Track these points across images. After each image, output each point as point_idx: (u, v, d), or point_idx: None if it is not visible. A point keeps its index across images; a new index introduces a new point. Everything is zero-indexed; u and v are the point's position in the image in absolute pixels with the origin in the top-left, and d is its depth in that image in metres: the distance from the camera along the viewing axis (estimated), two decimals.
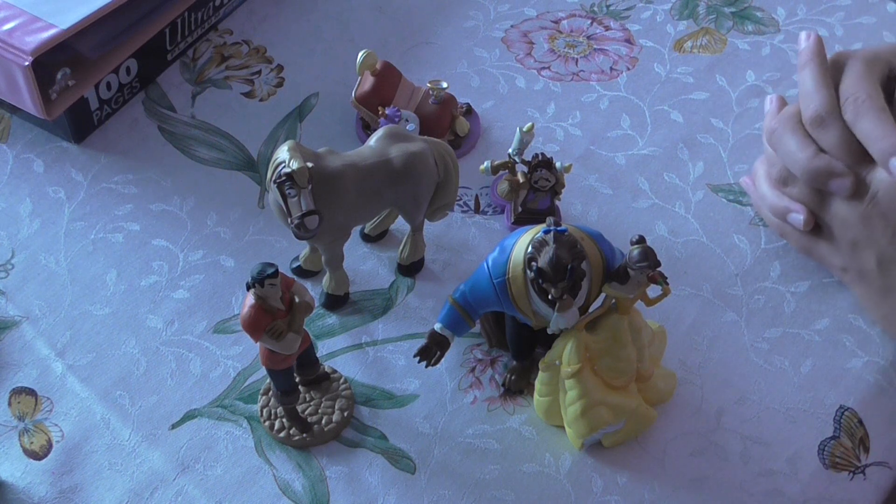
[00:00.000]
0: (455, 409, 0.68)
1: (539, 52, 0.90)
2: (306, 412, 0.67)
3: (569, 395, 0.64)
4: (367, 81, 0.81)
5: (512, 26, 0.92)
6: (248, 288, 0.59)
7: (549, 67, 0.89)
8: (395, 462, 0.66)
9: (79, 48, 0.77)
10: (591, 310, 0.64)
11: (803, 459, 0.67)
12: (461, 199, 0.79)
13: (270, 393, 0.67)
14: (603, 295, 0.62)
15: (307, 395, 0.68)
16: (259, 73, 0.88)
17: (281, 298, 0.60)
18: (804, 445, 0.67)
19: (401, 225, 0.75)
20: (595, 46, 0.90)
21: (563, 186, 0.75)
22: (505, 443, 0.67)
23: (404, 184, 0.68)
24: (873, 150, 0.66)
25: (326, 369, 0.69)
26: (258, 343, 0.61)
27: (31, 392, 0.69)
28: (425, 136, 0.71)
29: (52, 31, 0.75)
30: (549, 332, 0.63)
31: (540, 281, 0.60)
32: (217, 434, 0.67)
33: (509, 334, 0.68)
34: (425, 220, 0.72)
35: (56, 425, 0.67)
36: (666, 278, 0.61)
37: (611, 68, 0.89)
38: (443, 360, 0.66)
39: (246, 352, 0.71)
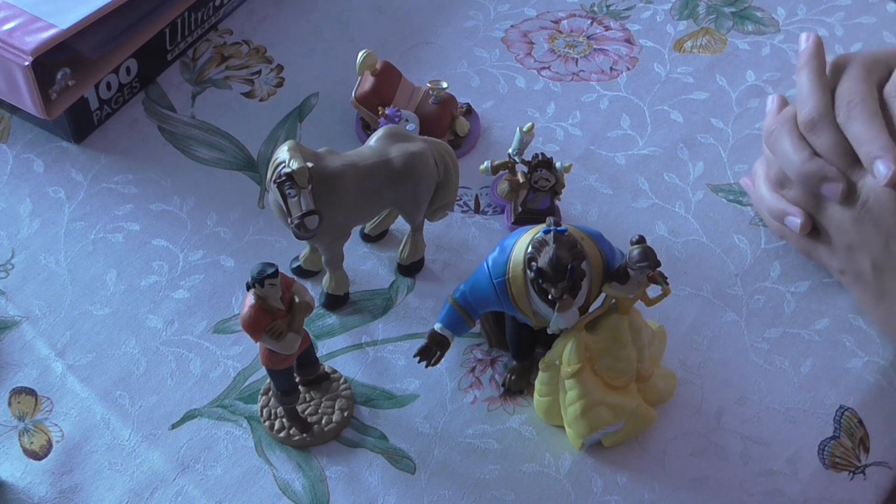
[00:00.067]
0: (455, 409, 0.68)
1: (539, 52, 0.90)
2: (306, 412, 0.67)
3: (569, 395, 0.64)
4: (367, 81, 0.81)
5: (512, 26, 0.92)
6: (248, 288, 0.59)
7: (549, 67, 0.89)
8: (395, 462, 0.66)
9: (79, 48, 0.77)
10: (591, 310, 0.64)
11: (803, 459, 0.67)
12: (461, 199, 0.79)
13: (270, 393, 0.67)
14: (603, 295, 0.62)
15: (307, 395, 0.68)
16: (259, 73, 0.88)
17: (281, 298, 0.60)
18: (804, 445, 0.67)
19: (401, 225, 0.75)
20: (595, 46, 0.90)
21: (563, 186, 0.75)
22: (505, 443, 0.67)
23: (404, 184, 0.68)
24: (861, 153, 0.67)
25: (326, 369, 0.69)
26: (258, 343, 0.61)
27: (31, 392, 0.69)
28: (425, 136, 0.71)
29: (52, 31, 0.75)
30: (549, 332, 0.63)
31: (540, 281, 0.60)
32: (217, 434, 0.67)
33: (509, 334, 0.68)
34: (425, 220, 0.72)
35: (56, 425, 0.67)
36: (666, 278, 0.61)
37: (611, 68, 0.89)
38: (443, 360, 0.66)
39: (246, 352, 0.71)
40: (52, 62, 0.76)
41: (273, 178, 0.64)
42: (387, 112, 0.78)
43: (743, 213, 0.79)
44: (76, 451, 0.66)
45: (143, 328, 0.72)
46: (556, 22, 0.92)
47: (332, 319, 0.72)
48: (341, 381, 0.69)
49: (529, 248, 0.60)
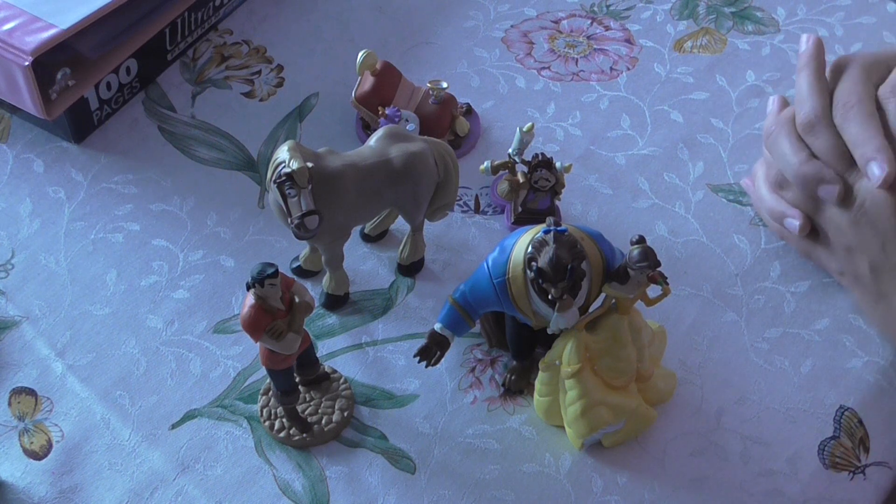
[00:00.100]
0: (455, 409, 0.68)
1: (539, 52, 0.90)
2: (306, 412, 0.67)
3: (569, 395, 0.64)
4: (367, 81, 0.80)
5: (512, 26, 0.92)
6: (248, 288, 0.59)
7: (549, 67, 0.89)
8: (395, 462, 0.66)
9: (79, 48, 0.77)
10: (591, 310, 0.64)
11: (803, 459, 0.67)
12: (461, 199, 0.79)
13: (270, 393, 0.67)
14: (603, 295, 0.62)
15: (307, 395, 0.68)
16: (259, 73, 0.88)
17: (281, 298, 0.60)
18: (804, 445, 0.67)
19: (401, 225, 0.75)
20: (595, 46, 0.90)
21: (563, 186, 0.75)
22: (505, 443, 0.67)
23: (404, 184, 0.68)
24: (856, 155, 0.67)
25: (326, 369, 0.69)
26: (258, 343, 0.61)
27: (31, 392, 0.69)
28: (425, 136, 0.71)
29: (52, 31, 0.75)
30: (549, 332, 0.63)
31: (540, 281, 0.60)
32: (217, 434, 0.67)
33: (509, 334, 0.68)
34: (425, 220, 0.72)
35: (56, 425, 0.67)
36: (666, 278, 0.61)
37: (611, 68, 0.89)
38: (443, 360, 0.66)
39: (246, 352, 0.71)
40: (52, 62, 0.76)
41: (273, 178, 0.64)
42: (387, 112, 0.78)
43: (743, 213, 0.79)
44: (76, 451, 0.66)
45: (143, 328, 0.72)
46: (556, 22, 0.92)
47: (332, 319, 0.72)
48: (341, 381, 0.69)
49: (529, 248, 0.60)
